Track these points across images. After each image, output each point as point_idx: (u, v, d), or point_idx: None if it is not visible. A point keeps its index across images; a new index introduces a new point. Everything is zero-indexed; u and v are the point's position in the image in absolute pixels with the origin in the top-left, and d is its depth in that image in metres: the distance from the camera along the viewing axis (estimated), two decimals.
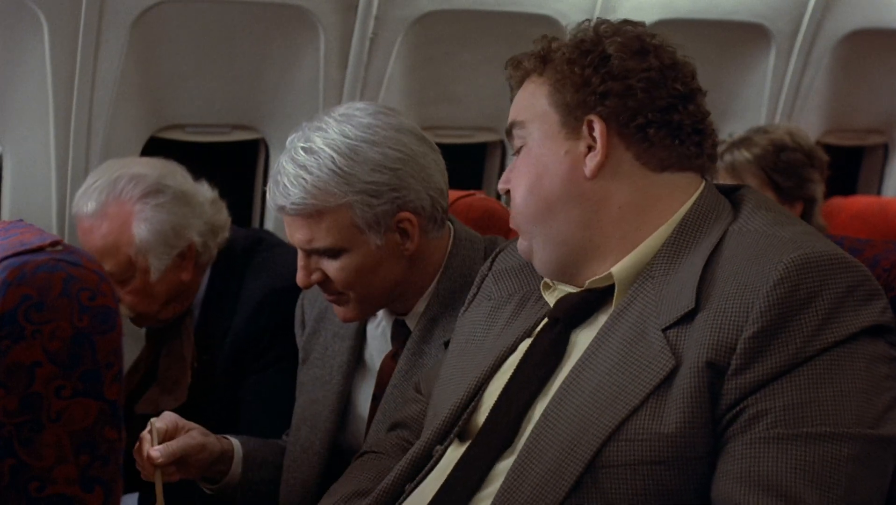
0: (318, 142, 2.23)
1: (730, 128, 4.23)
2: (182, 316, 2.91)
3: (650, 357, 1.67)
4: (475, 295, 2.08)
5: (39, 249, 1.63)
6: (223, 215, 2.93)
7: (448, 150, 2.39)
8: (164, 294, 2.84)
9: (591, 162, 1.80)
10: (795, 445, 1.57)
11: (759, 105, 4.40)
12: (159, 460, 2.17)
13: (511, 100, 1.92)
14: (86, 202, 2.83)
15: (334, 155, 2.21)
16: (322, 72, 3.56)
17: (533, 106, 1.86)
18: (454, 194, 3.02)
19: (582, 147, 1.81)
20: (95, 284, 1.63)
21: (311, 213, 2.23)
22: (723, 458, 1.62)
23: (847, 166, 4.96)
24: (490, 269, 2.08)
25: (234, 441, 2.41)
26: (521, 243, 1.90)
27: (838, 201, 4.34)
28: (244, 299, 2.80)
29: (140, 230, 2.79)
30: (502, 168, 4.21)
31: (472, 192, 2.95)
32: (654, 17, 3.97)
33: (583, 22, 1.88)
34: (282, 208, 2.26)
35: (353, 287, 2.28)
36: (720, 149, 3.69)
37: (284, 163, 2.25)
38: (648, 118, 1.80)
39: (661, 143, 1.81)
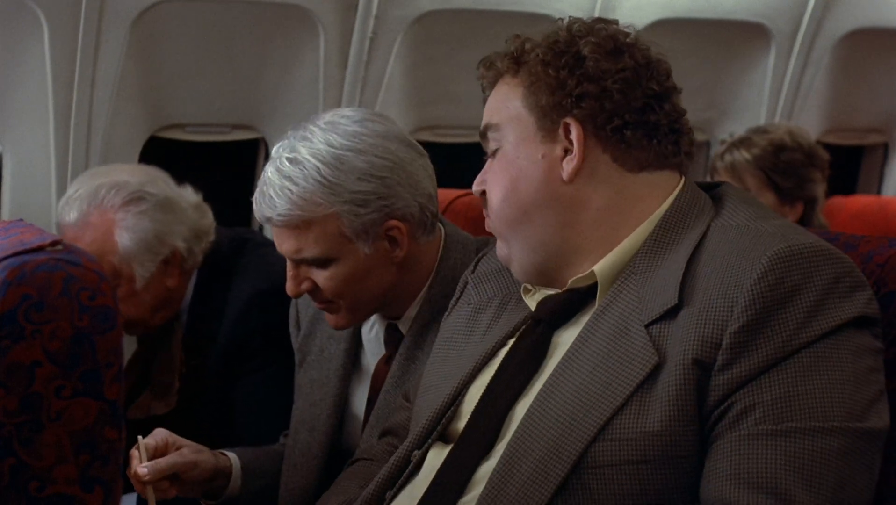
0: (302, 152, 2.21)
1: (730, 128, 4.23)
2: (172, 321, 2.90)
3: (633, 354, 1.66)
4: (458, 300, 2.07)
5: (39, 249, 1.63)
6: (208, 220, 2.91)
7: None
8: (150, 301, 2.82)
9: (569, 166, 1.78)
10: (784, 440, 1.57)
11: (759, 105, 4.40)
12: (146, 477, 2.15)
13: (484, 101, 1.90)
14: (68, 212, 2.82)
15: (319, 165, 2.19)
16: (322, 72, 3.56)
17: (507, 108, 1.84)
18: (453, 193, 3.02)
19: (558, 150, 1.79)
20: (95, 283, 1.63)
21: (298, 224, 2.22)
22: (711, 455, 1.61)
23: (847, 166, 4.96)
24: (473, 272, 2.07)
25: (231, 455, 2.40)
26: (500, 248, 1.89)
27: (838, 201, 4.35)
28: (232, 302, 2.79)
29: (123, 238, 2.77)
30: None
31: (470, 191, 2.95)
32: (653, 16, 3.97)
33: (556, 21, 1.86)
34: (268, 219, 2.25)
35: (343, 295, 2.27)
36: (720, 149, 3.69)
37: (269, 173, 2.23)
38: (625, 119, 1.77)
39: (638, 144, 1.79)
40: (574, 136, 1.78)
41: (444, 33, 3.71)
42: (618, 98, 1.77)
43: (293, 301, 2.55)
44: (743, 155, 3.61)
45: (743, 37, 4.26)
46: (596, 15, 3.81)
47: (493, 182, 1.85)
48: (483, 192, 1.89)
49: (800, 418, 1.57)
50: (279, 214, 2.22)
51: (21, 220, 1.89)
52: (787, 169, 3.63)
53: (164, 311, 2.87)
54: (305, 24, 3.49)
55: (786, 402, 1.58)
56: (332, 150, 2.21)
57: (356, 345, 2.44)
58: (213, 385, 2.78)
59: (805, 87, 4.44)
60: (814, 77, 4.44)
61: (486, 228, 1.91)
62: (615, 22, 1.86)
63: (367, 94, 3.65)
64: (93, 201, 2.80)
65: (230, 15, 3.42)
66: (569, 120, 1.78)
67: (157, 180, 2.86)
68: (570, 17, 1.86)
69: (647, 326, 1.67)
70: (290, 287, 2.29)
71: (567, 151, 1.79)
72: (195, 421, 2.74)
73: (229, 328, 2.76)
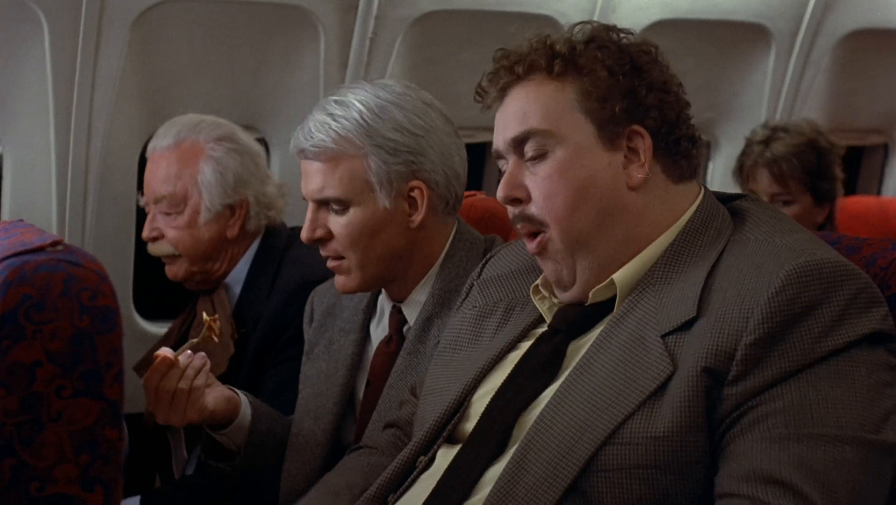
0: (350, 97, 2.32)
1: (730, 128, 4.22)
2: (215, 287, 2.98)
3: (648, 363, 1.66)
4: (463, 301, 2.07)
5: (40, 249, 1.63)
6: (281, 201, 3.05)
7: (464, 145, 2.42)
8: (206, 241, 2.93)
9: (638, 173, 1.77)
10: (798, 444, 1.57)
11: (759, 105, 4.39)
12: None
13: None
14: (163, 137, 2.97)
15: (362, 109, 2.30)
16: (322, 72, 3.56)
17: (559, 115, 1.79)
18: None
19: (620, 158, 1.78)
20: (96, 283, 1.63)
21: (329, 158, 2.29)
22: (724, 460, 1.61)
23: (847, 166, 4.95)
24: (479, 276, 2.06)
25: (238, 391, 2.44)
26: (558, 269, 1.82)
27: (839, 201, 4.34)
28: (279, 287, 2.88)
29: (206, 167, 2.92)
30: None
31: (472, 192, 2.95)
32: (654, 17, 3.97)
33: (574, 25, 1.84)
34: (302, 151, 2.32)
35: (354, 247, 2.31)
36: (754, 149, 3.72)
37: (315, 111, 2.34)
38: (683, 131, 1.80)
39: (684, 155, 1.81)
40: (643, 144, 1.77)
41: (445, 34, 3.71)
42: (676, 109, 1.79)
43: (310, 296, 2.60)
44: (783, 152, 3.63)
45: (743, 37, 4.25)
46: (596, 15, 3.81)
47: (548, 192, 1.78)
48: (516, 200, 1.82)
49: (813, 425, 1.57)
50: (313, 145, 2.30)
51: (21, 220, 1.89)
52: (825, 171, 3.68)
53: (211, 264, 2.96)
54: (305, 24, 3.49)
55: (799, 409, 1.58)
56: (378, 100, 2.31)
57: (365, 336, 2.46)
58: (251, 362, 2.84)
59: (805, 88, 4.43)
60: (814, 77, 4.44)
61: (533, 248, 1.83)
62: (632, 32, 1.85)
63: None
64: (191, 131, 2.96)
65: (230, 15, 3.42)
66: (638, 128, 1.77)
67: (251, 137, 3.06)
68: (598, 22, 1.86)
69: (663, 337, 1.67)
70: (305, 230, 2.35)
71: (627, 159, 1.77)
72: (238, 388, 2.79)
73: (273, 312, 2.84)
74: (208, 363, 2.33)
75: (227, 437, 2.41)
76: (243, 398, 2.43)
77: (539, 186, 1.79)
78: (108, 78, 3.26)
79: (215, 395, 2.36)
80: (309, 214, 2.35)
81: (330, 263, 2.37)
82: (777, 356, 1.60)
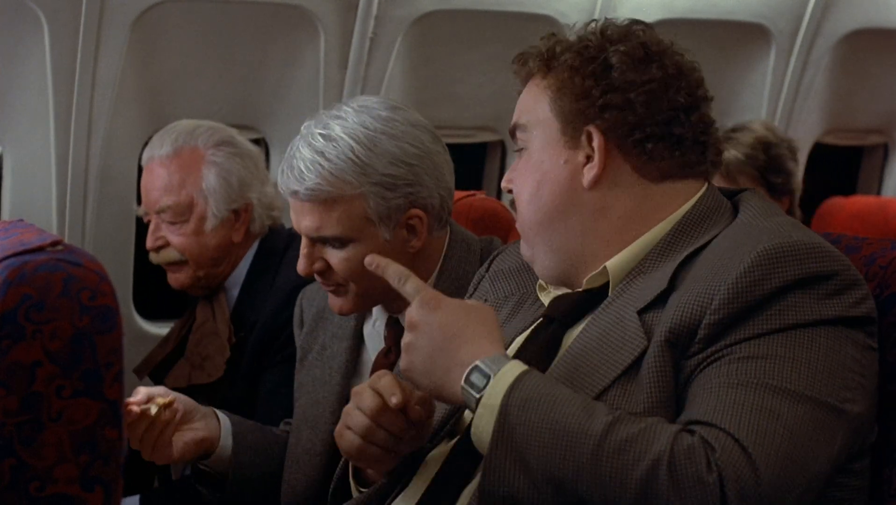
0: (336, 129, 2.23)
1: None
2: (215, 291, 2.98)
3: (625, 339, 1.68)
4: (471, 296, 2.07)
5: (39, 249, 1.63)
6: (281, 201, 3.00)
7: (449, 151, 2.39)
8: (213, 247, 2.93)
9: (590, 173, 1.79)
10: (736, 390, 1.56)
11: (759, 105, 4.40)
12: (137, 397, 2.20)
13: (518, 94, 1.91)
14: (160, 146, 2.95)
15: (353, 144, 2.21)
16: (322, 72, 3.56)
17: (535, 110, 1.85)
18: (456, 195, 3.03)
19: (581, 157, 1.80)
20: (96, 283, 1.63)
21: (325, 200, 2.22)
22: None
23: (847, 166, 4.96)
24: (487, 270, 2.07)
25: (220, 414, 2.39)
26: (524, 249, 1.90)
27: (838, 201, 4.34)
28: (276, 290, 2.88)
29: (209, 174, 2.92)
30: (502, 168, 4.21)
31: (472, 192, 2.96)
32: (654, 17, 3.97)
33: (590, 22, 1.87)
34: (294, 193, 2.25)
35: (354, 279, 2.27)
36: None
37: (301, 147, 2.24)
38: (647, 132, 1.78)
39: (660, 156, 1.79)
40: (596, 144, 1.79)
41: (444, 34, 3.71)
42: (641, 111, 1.78)
43: (298, 299, 2.56)
44: (734, 154, 3.65)
45: (743, 37, 4.26)
46: (596, 16, 3.81)
47: (519, 182, 1.87)
48: (511, 191, 1.90)
49: (755, 375, 1.56)
50: (307, 189, 2.22)
51: (21, 220, 1.89)
52: (776, 165, 3.69)
53: (217, 268, 2.96)
54: (305, 24, 3.49)
55: (748, 362, 1.58)
56: (367, 131, 2.22)
57: (358, 342, 2.44)
58: (249, 365, 2.84)
59: (805, 88, 4.43)
60: (814, 77, 4.44)
61: (517, 229, 1.92)
62: (651, 26, 1.88)
63: (368, 95, 3.64)
64: (189, 138, 2.95)
65: (230, 15, 3.43)
66: (591, 128, 1.79)
67: (248, 138, 3.07)
68: (605, 18, 1.88)
69: (639, 313, 1.69)
70: (301, 265, 2.29)
71: (589, 158, 1.80)
72: (232, 393, 2.80)
73: (270, 313, 2.84)
74: (178, 412, 2.28)
75: (209, 466, 2.38)
76: (224, 429, 2.36)
77: (516, 178, 1.88)
78: (108, 78, 3.26)
79: (185, 439, 2.30)
80: (304, 249, 2.28)
81: (326, 289, 2.33)
82: (737, 330, 1.60)
